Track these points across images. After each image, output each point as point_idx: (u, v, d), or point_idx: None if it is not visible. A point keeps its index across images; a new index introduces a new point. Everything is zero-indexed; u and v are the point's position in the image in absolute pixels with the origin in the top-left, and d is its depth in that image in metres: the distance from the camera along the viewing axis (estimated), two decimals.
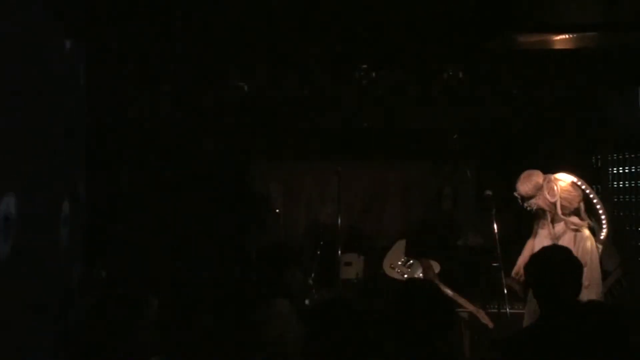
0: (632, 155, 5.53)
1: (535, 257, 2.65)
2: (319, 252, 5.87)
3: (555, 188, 4.20)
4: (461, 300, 4.94)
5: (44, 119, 3.10)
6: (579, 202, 4.23)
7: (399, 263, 5.36)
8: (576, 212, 4.25)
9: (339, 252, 5.60)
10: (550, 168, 4.41)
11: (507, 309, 4.58)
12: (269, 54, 4.97)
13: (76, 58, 3.59)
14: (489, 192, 4.91)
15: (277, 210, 6.68)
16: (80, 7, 3.50)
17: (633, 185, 5.52)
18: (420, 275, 5.22)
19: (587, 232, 4.20)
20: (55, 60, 3.25)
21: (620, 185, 5.67)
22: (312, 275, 5.69)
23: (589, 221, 4.22)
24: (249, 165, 6.44)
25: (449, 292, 5.03)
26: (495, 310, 4.75)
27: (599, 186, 5.75)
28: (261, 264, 5.25)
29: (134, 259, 4.59)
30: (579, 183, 4.27)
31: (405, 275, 5.27)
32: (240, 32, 4.43)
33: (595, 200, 4.26)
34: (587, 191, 4.27)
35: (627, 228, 5.53)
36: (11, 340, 2.65)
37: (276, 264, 4.53)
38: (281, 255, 4.77)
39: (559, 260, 2.53)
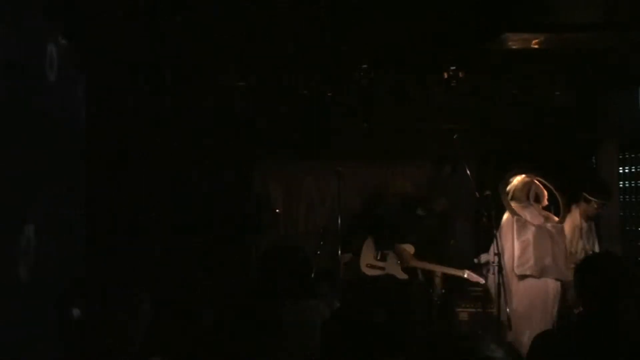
0: (632, 155, 5.53)
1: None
2: (319, 252, 5.86)
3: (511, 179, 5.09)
4: (447, 270, 5.02)
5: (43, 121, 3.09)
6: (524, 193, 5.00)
7: (374, 260, 5.42)
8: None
9: (339, 252, 5.59)
10: (550, 168, 4.55)
11: (507, 309, 4.58)
12: (269, 54, 4.96)
13: (76, 58, 3.59)
14: (489, 192, 4.91)
15: (277, 210, 6.67)
16: (79, 7, 3.50)
17: (633, 185, 5.52)
18: (398, 263, 5.29)
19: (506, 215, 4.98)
20: (55, 62, 3.25)
21: (621, 185, 5.66)
22: (312, 275, 5.67)
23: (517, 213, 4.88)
24: (249, 165, 6.42)
25: (431, 267, 5.12)
26: (495, 310, 4.75)
27: None
28: (263, 264, 5.23)
29: (133, 260, 4.58)
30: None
31: (385, 269, 5.36)
32: (241, 31, 4.43)
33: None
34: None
35: (627, 228, 5.53)
36: (12, 340, 2.65)
37: (279, 265, 4.50)
38: (286, 257, 4.74)
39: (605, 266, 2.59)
